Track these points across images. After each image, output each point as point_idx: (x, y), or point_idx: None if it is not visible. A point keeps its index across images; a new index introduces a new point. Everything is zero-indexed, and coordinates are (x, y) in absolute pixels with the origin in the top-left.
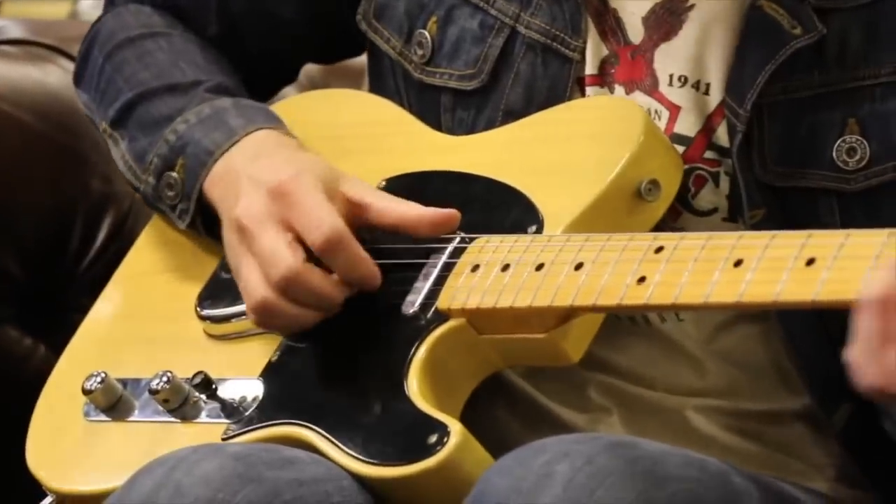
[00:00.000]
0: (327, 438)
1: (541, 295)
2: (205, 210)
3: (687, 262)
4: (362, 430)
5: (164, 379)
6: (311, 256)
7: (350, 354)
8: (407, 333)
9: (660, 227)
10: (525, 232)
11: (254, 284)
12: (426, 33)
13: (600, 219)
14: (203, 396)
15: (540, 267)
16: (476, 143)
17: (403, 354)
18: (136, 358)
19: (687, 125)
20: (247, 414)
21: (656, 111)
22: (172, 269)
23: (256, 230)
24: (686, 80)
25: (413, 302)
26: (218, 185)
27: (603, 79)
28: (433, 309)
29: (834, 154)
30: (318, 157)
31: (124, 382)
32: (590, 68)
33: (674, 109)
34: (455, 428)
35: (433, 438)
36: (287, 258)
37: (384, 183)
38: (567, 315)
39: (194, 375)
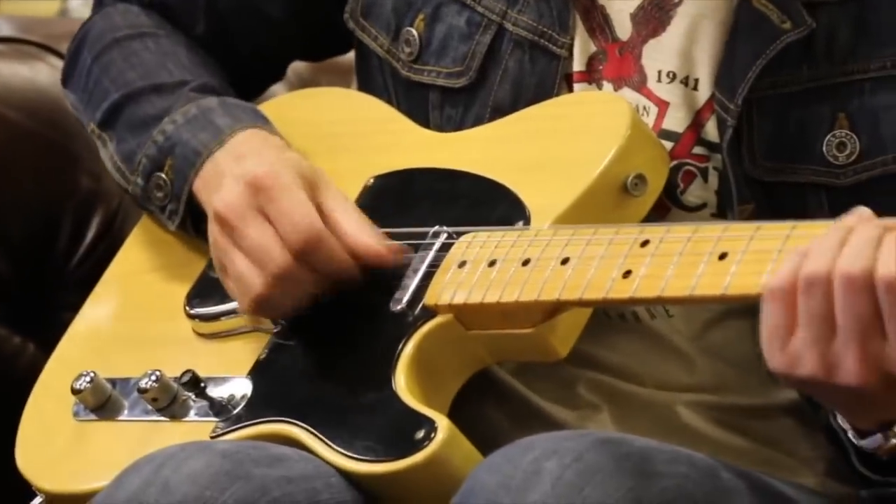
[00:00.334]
0: (315, 435)
1: (527, 290)
2: (194, 210)
3: (672, 255)
4: (350, 426)
5: (153, 378)
6: None
7: (338, 351)
8: (394, 330)
9: (646, 222)
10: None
11: (250, 279)
12: (413, 31)
13: (587, 213)
14: (192, 395)
15: (526, 262)
16: (463, 139)
17: (391, 351)
18: (125, 357)
19: (675, 121)
20: (235, 412)
21: (644, 107)
22: (161, 269)
23: (239, 223)
24: (674, 75)
25: (400, 298)
26: (204, 186)
27: (591, 75)
28: (420, 305)
29: (824, 149)
30: (302, 157)
31: (113, 382)
32: (577, 65)
33: (662, 105)
34: (442, 423)
35: (420, 434)
36: (278, 253)
37: (372, 180)
38: (554, 310)
39: (183, 374)
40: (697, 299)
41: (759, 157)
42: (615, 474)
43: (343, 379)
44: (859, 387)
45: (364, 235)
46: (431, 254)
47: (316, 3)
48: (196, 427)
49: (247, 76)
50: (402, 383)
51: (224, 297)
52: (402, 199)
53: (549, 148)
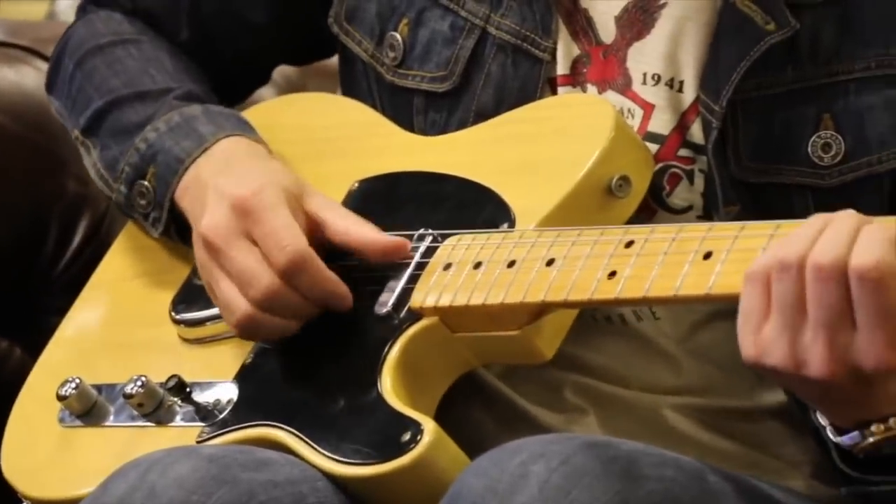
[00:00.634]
0: (302, 439)
1: (513, 292)
2: (178, 218)
3: (657, 255)
4: (336, 429)
5: (139, 383)
6: None
7: (324, 355)
8: (380, 333)
9: (633, 224)
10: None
11: (234, 303)
12: (397, 35)
13: (571, 215)
14: (177, 400)
15: (512, 264)
16: (448, 143)
17: (377, 354)
18: (110, 363)
19: (661, 123)
20: (221, 416)
21: (629, 110)
22: (146, 274)
23: (224, 247)
24: (659, 78)
25: (386, 302)
26: (187, 194)
27: (575, 78)
28: (406, 308)
29: (809, 150)
30: (285, 167)
31: (99, 388)
32: (561, 68)
33: (647, 108)
34: (429, 426)
35: (407, 436)
36: (264, 277)
37: (357, 185)
38: (539, 311)
39: (168, 379)
40: (682, 299)
41: (745, 158)
42: (602, 478)
43: (329, 382)
44: (826, 379)
45: (360, 228)
46: (417, 256)
47: (299, 8)
48: (182, 432)
49: (231, 81)
50: (388, 386)
51: (209, 303)
52: (387, 202)
53: (534, 150)
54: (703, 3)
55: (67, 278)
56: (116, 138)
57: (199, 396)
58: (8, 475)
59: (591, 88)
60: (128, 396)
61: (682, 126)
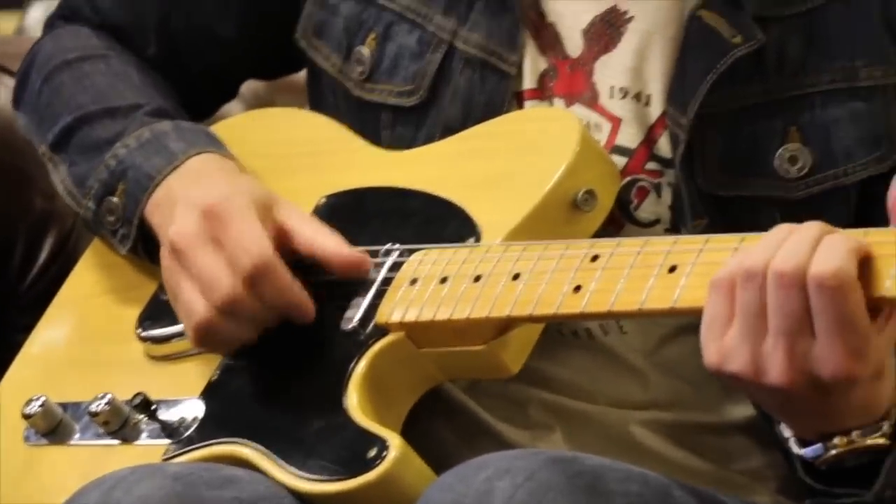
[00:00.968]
0: (268, 455)
1: (479, 306)
2: (146, 235)
3: (622, 269)
4: (302, 446)
5: (104, 401)
6: None
7: (290, 371)
8: (346, 348)
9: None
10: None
11: (194, 306)
12: (365, 50)
13: (537, 229)
14: (143, 418)
15: (478, 279)
16: (415, 157)
17: (343, 369)
18: (76, 381)
19: (628, 137)
20: (187, 434)
21: (596, 124)
22: (112, 292)
23: (190, 251)
24: (627, 91)
25: (352, 317)
26: (158, 210)
27: (542, 92)
28: (372, 323)
29: (776, 162)
30: (255, 180)
31: (64, 406)
32: (528, 82)
33: (615, 122)
34: (394, 442)
35: (373, 452)
36: (226, 280)
37: (324, 200)
38: (505, 326)
39: (134, 397)
40: (648, 313)
41: (712, 171)
42: (567, 493)
43: (295, 398)
44: (785, 387)
45: (325, 239)
46: (383, 272)
47: (268, 23)
48: (148, 450)
49: (199, 96)
50: (355, 402)
51: (175, 320)
52: (353, 217)
53: (500, 165)
54: (670, 17)
55: (34, 295)
56: (85, 154)
57: (165, 414)
58: None
59: (559, 102)
60: (93, 414)
61: (649, 140)
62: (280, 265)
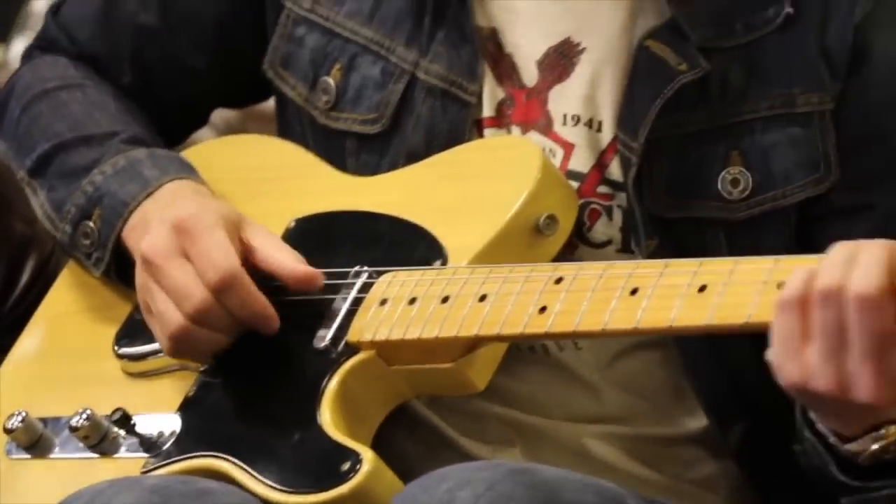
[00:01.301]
0: (243, 469)
1: (447, 326)
2: (121, 257)
3: (586, 291)
4: (277, 459)
5: (84, 416)
6: None
7: (265, 387)
8: (319, 366)
9: (557, 259)
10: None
11: (168, 316)
12: (330, 80)
13: (501, 253)
14: (122, 432)
15: (446, 299)
16: (382, 183)
17: (316, 386)
18: (56, 396)
19: (581, 161)
20: (165, 448)
21: (551, 150)
22: (90, 310)
23: (162, 263)
24: (579, 119)
25: (324, 336)
26: (132, 234)
27: (500, 120)
28: (343, 342)
29: (719, 185)
30: (226, 202)
31: (45, 421)
32: (487, 111)
33: (568, 147)
34: (367, 455)
35: (346, 466)
36: (197, 292)
37: (294, 223)
38: (473, 345)
39: (113, 412)
40: (611, 332)
41: (660, 194)
42: (526, 503)
43: (270, 414)
44: (875, 402)
45: (283, 255)
46: (353, 293)
47: (237, 56)
48: (127, 463)
49: (170, 124)
50: (328, 417)
51: (151, 338)
52: (323, 240)
53: (464, 191)
54: (620, 48)
55: (14, 317)
56: (63, 180)
57: (144, 428)
58: None
59: (516, 129)
60: (73, 429)
61: (600, 164)
62: (246, 278)
